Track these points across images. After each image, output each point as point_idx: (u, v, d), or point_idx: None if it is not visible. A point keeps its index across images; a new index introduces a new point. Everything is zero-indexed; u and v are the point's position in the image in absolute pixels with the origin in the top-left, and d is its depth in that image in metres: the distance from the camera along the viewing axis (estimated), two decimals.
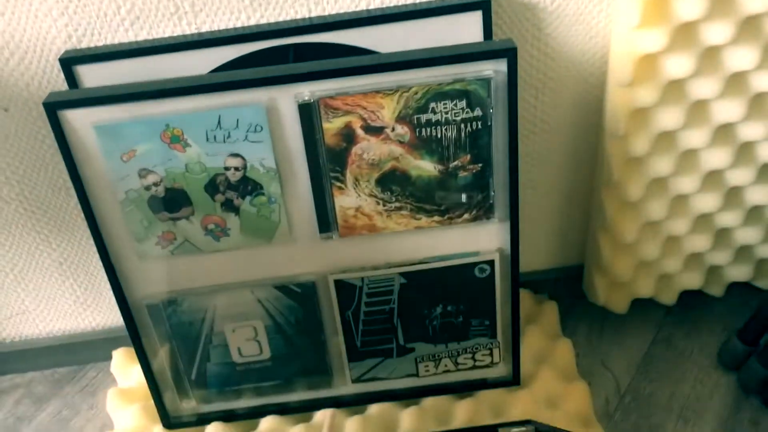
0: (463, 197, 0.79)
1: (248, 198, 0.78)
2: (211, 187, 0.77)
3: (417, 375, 0.93)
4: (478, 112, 0.74)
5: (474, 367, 0.93)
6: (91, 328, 1.10)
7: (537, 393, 0.93)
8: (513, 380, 0.94)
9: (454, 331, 0.90)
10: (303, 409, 0.95)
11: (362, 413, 0.94)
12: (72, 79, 0.79)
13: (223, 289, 0.85)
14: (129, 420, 0.97)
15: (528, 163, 0.94)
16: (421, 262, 0.85)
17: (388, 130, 0.75)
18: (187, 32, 0.80)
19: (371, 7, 0.80)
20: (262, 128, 0.74)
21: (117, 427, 0.99)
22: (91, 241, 0.97)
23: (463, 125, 0.75)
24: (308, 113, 0.73)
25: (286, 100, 0.73)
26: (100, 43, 0.80)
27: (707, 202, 0.91)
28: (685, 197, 0.91)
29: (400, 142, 0.76)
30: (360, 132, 0.75)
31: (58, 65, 0.80)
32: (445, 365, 0.93)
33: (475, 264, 0.85)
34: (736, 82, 0.81)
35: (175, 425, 0.95)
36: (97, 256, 0.99)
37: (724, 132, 0.85)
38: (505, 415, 0.92)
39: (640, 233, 0.93)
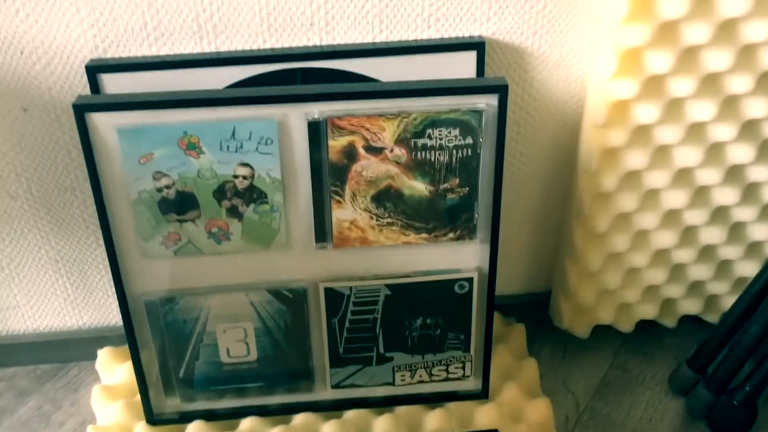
0: (450, 217, 0.87)
1: (252, 206, 0.85)
2: (220, 193, 0.83)
3: (393, 384, 0.99)
4: (469, 140, 0.82)
5: (447, 379, 0.99)
6: (78, 326, 1.13)
7: (503, 406, 1.00)
8: (482, 393, 1.00)
9: (431, 343, 0.96)
10: (282, 412, 1.00)
11: (339, 418, 0.99)
12: (95, 86, 0.84)
13: (220, 290, 0.91)
14: (112, 416, 1.00)
15: (505, 192, 1.02)
16: (406, 276, 0.91)
17: (387, 151, 0.82)
18: (207, 51, 0.86)
19: (377, 40, 0.87)
20: (272, 141, 0.81)
21: (100, 423, 1.02)
22: (89, 242, 1.03)
23: (455, 151, 0.83)
24: (316, 130, 0.80)
25: (297, 117, 0.80)
26: (125, 55, 0.86)
27: (666, 238, 1.00)
28: (646, 233, 1.00)
29: (397, 163, 0.83)
30: (361, 151, 0.82)
31: (82, 71, 0.86)
32: (420, 375, 0.99)
33: (456, 280, 0.92)
34: (696, 131, 0.91)
35: (158, 422, 0.99)
36: (92, 256, 1.04)
37: (683, 174, 0.95)
38: (473, 426, 0.98)
39: (604, 263, 1.02)
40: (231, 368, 0.97)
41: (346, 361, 0.97)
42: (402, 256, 0.90)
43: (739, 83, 0.87)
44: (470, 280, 0.92)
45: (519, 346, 1.10)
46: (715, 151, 0.93)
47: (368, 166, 0.83)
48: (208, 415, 0.99)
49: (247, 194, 0.84)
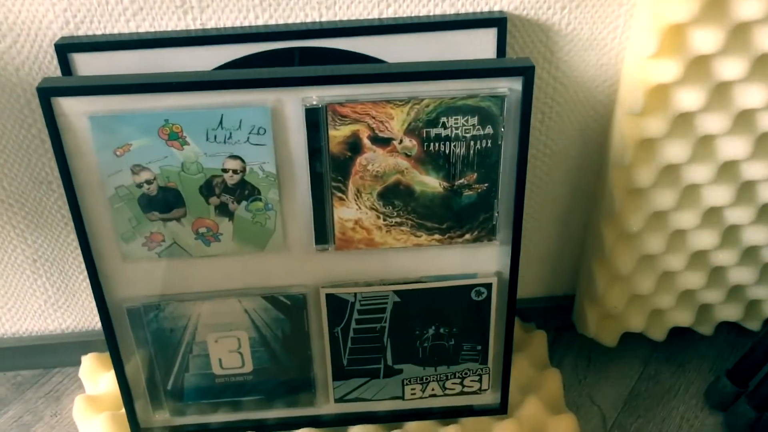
0: (466, 217, 0.77)
1: (244, 203, 0.75)
2: (207, 189, 0.74)
3: (402, 398, 0.90)
4: (489, 129, 0.72)
5: (462, 393, 0.90)
6: (61, 330, 1.04)
7: (524, 423, 0.91)
8: (501, 409, 0.91)
9: (444, 355, 0.87)
10: (281, 427, 0.91)
11: None
12: (66, 67, 0.75)
13: (210, 296, 0.82)
14: (96, 429, 0.92)
15: (527, 187, 0.93)
16: (417, 281, 0.82)
17: (395, 142, 0.73)
18: (192, 27, 0.77)
19: (384, 15, 0.78)
20: (265, 131, 0.71)
21: None
22: (69, 239, 0.94)
23: (472, 142, 0.73)
24: (315, 119, 0.71)
25: (293, 103, 0.70)
26: (99, 32, 0.76)
27: (705, 239, 0.90)
28: (683, 232, 0.90)
29: (407, 156, 0.73)
30: (367, 142, 0.72)
31: (52, 51, 0.76)
32: (432, 389, 0.90)
33: (473, 286, 0.82)
34: (744, 119, 0.81)
35: None
36: (73, 255, 0.96)
37: (728, 169, 0.85)
38: None
39: (636, 266, 0.92)
40: (224, 380, 0.88)
41: (351, 373, 0.88)
42: (412, 260, 0.80)
43: None
44: (488, 286, 0.82)
45: (540, 355, 1.00)
46: (765, 144, 0.83)
47: (374, 159, 0.73)
48: (200, 431, 0.91)
49: (237, 190, 0.75)
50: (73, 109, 0.69)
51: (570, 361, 1.04)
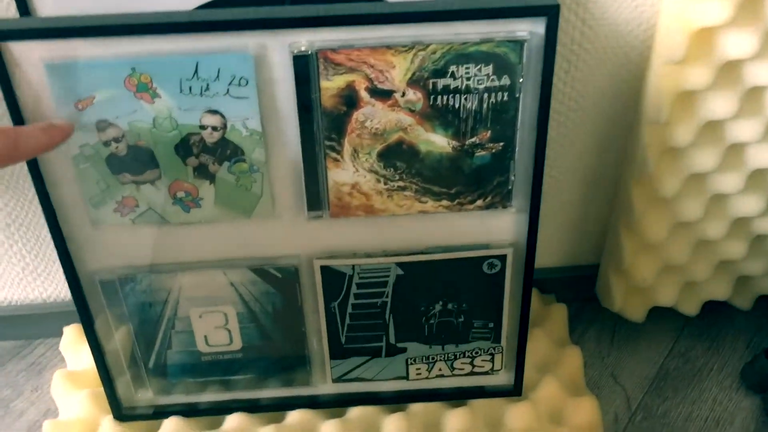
0: (478, 180, 0.68)
1: (226, 164, 0.66)
2: (183, 148, 0.65)
3: (407, 378, 0.82)
4: (505, 80, 0.63)
5: (471, 373, 0.82)
6: (42, 299, 0.97)
7: (540, 406, 0.83)
8: (514, 390, 0.83)
9: (453, 333, 0.79)
10: (275, 408, 0.84)
11: (341, 416, 0.83)
12: (24, 6, 0.66)
13: (191, 267, 0.73)
14: (76, 408, 0.85)
15: (548, 146, 0.83)
16: (422, 252, 0.73)
17: (397, 95, 0.63)
18: None
19: None
20: (247, 82, 0.62)
21: (62, 415, 0.87)
22: None
23: (486, 95, 0.63)
24: (304, 67, 0.61)
25: (279, 49, 0.61)
26: None
27: (749, 204, 0.80)
28: (724, 197, 0.80)
29: (411, 111, 0.64)
30: (364, 95, 0.63)
31: None
32: (440, 369, 0.82)
33: (485, 258, 0.73)
34: None
35: (128, 417, 0.83)
36: None
37: None
38: (503, 429, 0.81)
39: (669, 234, 0.82)
40: (211, 358, 0.80)
41: (350, 351, 0.80)
42: (417, 228, 0.71)
43: None
44: (503, 258, 0.73)
45: (559, 330, 0.92)
46: None
47: (373, 115, 0.64)
48: (188, 410, 0.84)
49: (218, 150, 0.66)
50: (26, 54, 0.60)
51: (592, 337, 0.95)
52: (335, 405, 0.84)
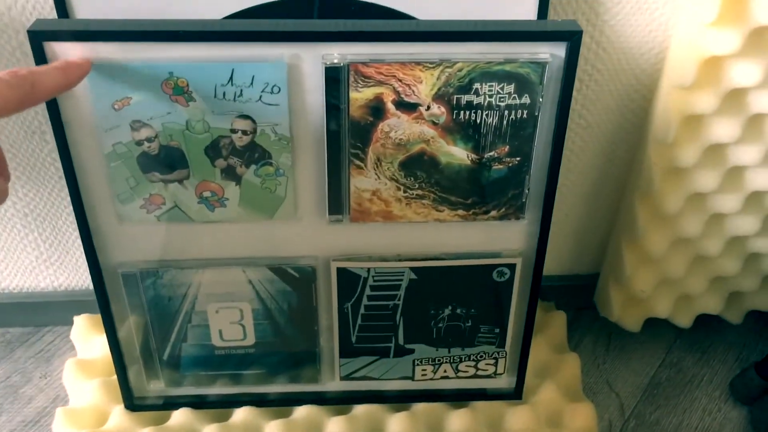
0: (494, 192, 0.71)
1: (253, 167, 0.69)
2: (213, 150, 0.68)
3: (412, 378, 0.85)
4: (526, 99, 0.66)
5: (475, 376, 0.85)
6: (53, 287, 0.99)
7: (539, 410, 0.86)
8: (515, 394, 0.86)
9: (460, 336, 0.82)
10: (283, 403, 0.86)
11: (347, 413, 0.86)
12: (63, 8, 0.68)
13: (212, 264, 0.76)
14: (87, 396, 0.87)
15: None
16: (435, 258, 0.76)
17: (422, 108, 0.66)
18: None
19: None
20: (279, 89, 0.64)
21: (72, 403, 0.89)
22: (63, 194, 0.88)
23: (507, 112, 0.66)
24: (335, 79, 0.64)
25: (312, 60, 0.63)
26: None
27: (746, 224, 0.84)
28: (723, 216, 0.84)
29: (434, 124, 0.67)
30: (391, 107, 0.65)
31: None
32: (445, 371, 0.85)
33: (495, 266, 0.77)
34: None
35: (139, 407, 0.85)
36: (67, 210, 0.90)
37: None
38: (503, 431, 0.85)
39: (669, 248, 0.86)
40: (224, 352, 0.82)
41: (359, 351, 0.82)
42: (432, 235, 0.74)
43: None
44: (512, 267, 0.76)
45: (558, 337, 0.95)
46: None
47: (398, 126, 0.67)
48: (197, 402, 0.86)
49: (247, 153, 0.68)
50: (68, 55, 0.61)
51: (588, 344, 0.99)
52: (342, 402, 0.87)
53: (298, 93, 0.65)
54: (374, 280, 0.77)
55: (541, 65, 0.64)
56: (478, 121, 0.67)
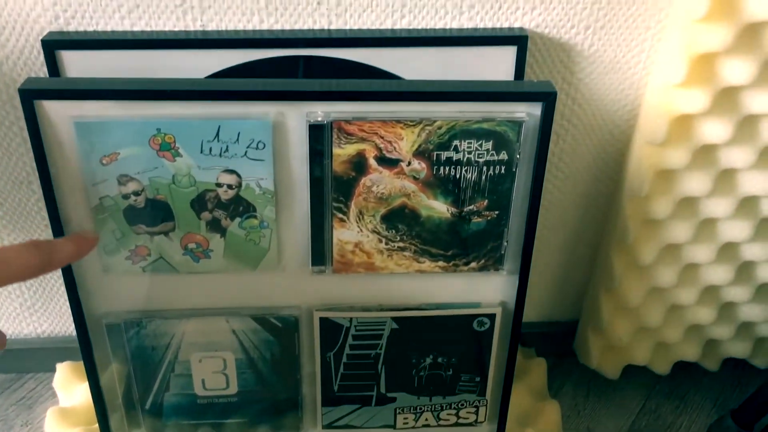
0: (473, 245, 0.73)
1: (238, 219, 0.70)
2: (199, 203, 0.69)
3: (394, 427, 0.86)
4: (503, 155, 0.68)
5: (456, 424, 0.86)
6: (36, 335, 0.99)
7: None
8: None
9: (441, 385, 0.83)
10: None
11: None
12: (54, 65, 0.70)
13: (196, 314, 0.77)
14: None
15: None
16: (416, 308, 0.77)
17: (403, 164, 0.68)
18: (191, 29, 0.71)
19: (397, 26, 0.73)
20: (264, 145, 0.66)
21: None
22: None
23: (485, 168, 0.68)
24: (319, 135, 0.66)
25: (297, 118, 0.65)
26: (91, 29, 0.71)
27: (719, 274, 0.86)
28: (697, 266, 0.86)
29: (415, 179, 0.69)
30: (373, 162, 0.67)
31: (39, 47, 0.71)
32: (426, 419, 0.85)
33: (475, 316, 0.78)
34: None
35: None
36: None
37: (749, 204, 0.81)
38: None
39: (645, 298, 0.88)
40: (207, 401, 0.83)
41: (342, 399, 0.83)
42: (414, 286, 0.76)
43: None
44: (492, 317, 0.78)
45: (539, 384, 0.96)
46: None
47: (380, 181, 0.69)
48: None
49: (231, 206, 0.70)
50: (57, 113, 0.63)
51: (568, 391, 1.00)
52: None
53: (282, 149, 0.67)
54: (356, 330, 0.78)
55: (518, 123, 0.66)
56: (458, 176, 0.69)
